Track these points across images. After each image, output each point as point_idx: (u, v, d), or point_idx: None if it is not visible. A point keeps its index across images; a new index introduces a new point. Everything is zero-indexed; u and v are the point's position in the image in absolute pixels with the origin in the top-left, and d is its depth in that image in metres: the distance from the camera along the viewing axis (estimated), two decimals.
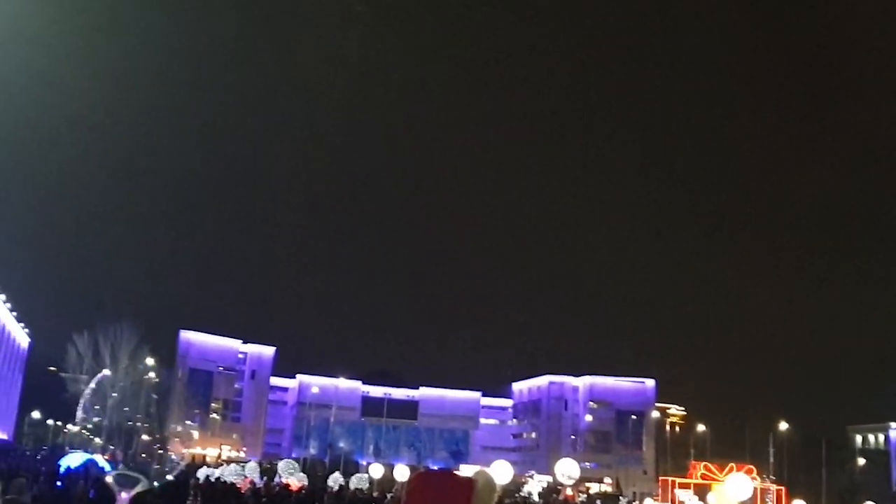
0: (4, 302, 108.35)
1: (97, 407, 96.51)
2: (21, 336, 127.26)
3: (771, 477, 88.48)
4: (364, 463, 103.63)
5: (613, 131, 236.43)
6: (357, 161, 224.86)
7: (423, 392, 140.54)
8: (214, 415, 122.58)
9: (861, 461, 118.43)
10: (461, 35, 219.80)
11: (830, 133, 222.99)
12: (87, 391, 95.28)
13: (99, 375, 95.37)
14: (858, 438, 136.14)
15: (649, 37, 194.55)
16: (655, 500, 75.58)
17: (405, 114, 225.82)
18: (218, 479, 45.55)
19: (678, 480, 73.77)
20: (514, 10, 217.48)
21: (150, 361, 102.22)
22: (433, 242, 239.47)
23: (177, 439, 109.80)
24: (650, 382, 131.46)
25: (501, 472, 64.59)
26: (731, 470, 68.06)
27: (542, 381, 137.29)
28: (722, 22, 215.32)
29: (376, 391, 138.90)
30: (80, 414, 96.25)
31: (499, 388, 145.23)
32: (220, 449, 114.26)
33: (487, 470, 3.75)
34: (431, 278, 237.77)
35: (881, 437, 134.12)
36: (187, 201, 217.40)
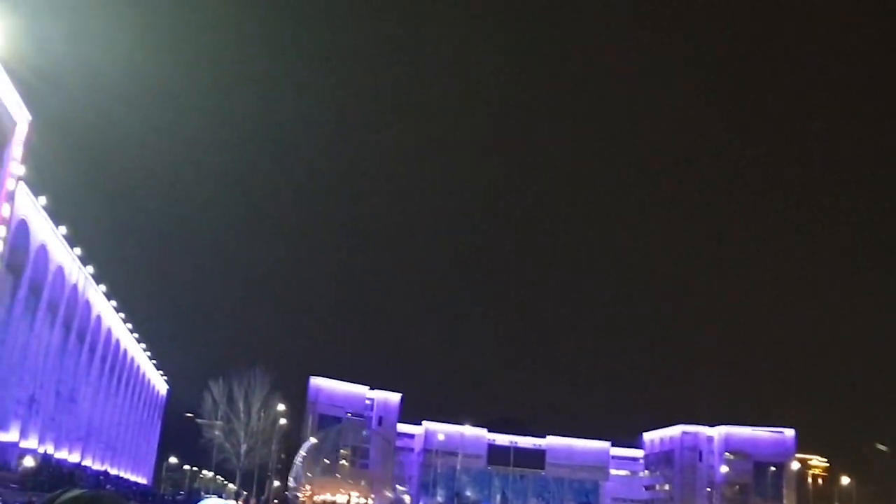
0: (145, 350, 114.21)
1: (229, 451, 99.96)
2: (160, 384, 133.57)
3: None
4: None
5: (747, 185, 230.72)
6: (490, 211, 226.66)
7: (551, 441, 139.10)
8: (343, 461, 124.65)
9: None
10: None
11: None
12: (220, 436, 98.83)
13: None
14: None
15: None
16: None
17: (550, 173, 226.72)
18: None
19: None
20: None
21: (281, 407, 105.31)
22: (561, 292, 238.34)
23: (307, 485, 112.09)
24: (789, 432, 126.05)
25: None
26: None
27: (675, 430, 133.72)
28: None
29: (502, 439, 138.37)
30: (216, 457, 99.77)
31: (629, 437, 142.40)
32: (349, 495, 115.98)
33: None
34: (559, 326, 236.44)
35: None
36: (315, 254, 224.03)
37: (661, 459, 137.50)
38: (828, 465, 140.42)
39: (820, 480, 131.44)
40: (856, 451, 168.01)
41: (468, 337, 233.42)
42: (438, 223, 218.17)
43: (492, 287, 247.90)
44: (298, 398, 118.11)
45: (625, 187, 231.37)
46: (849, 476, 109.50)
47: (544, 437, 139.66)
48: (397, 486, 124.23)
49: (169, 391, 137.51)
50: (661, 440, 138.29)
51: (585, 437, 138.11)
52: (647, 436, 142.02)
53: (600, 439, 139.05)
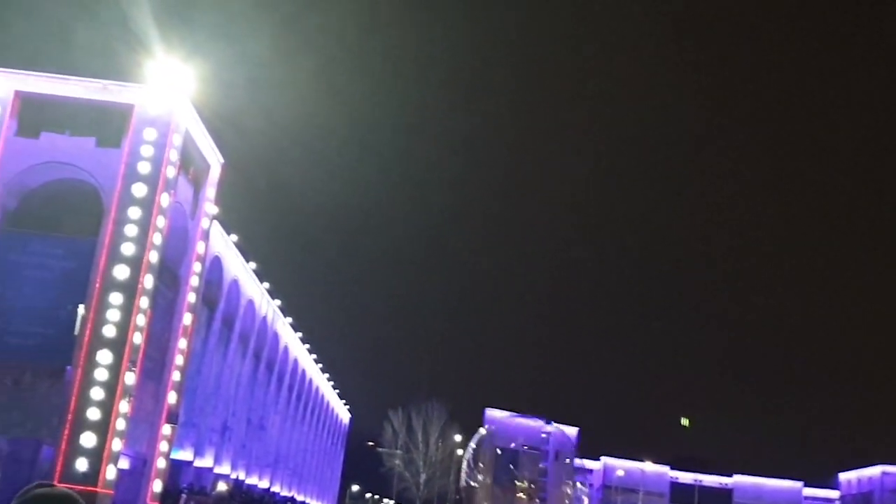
0: (329, 380, 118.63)
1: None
2: (343, 413, 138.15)
3: None
4: None
5: None
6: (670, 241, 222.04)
7: (738, 479, 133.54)
8: (521, 494, 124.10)
9: None
10: None
11: None
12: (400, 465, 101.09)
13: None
14: None
15: None
16: None
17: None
18: None
19: None
20: None
21: (458, 438, 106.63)
22: (746, 327, 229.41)
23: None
24: None
25: None
26: None
27: (875, 471, 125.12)
28: None
29: (686, 477, 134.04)
30: (396, 486, 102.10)
31: (823, 477, 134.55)
32: None
33: None
34: (747, 359, 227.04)
35: None
36: (492, 289, 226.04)
37: (859, 501, 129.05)
38: None
39: None
40: None
41: (650, 371, 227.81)
42: (623, 253, 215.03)
43: (676, 322, 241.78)
44: (474, 430, 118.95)
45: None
46: None
47: (731, 475, 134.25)
48: (578, 484, 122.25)
49: (351, 420, 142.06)
50: (860, 481, 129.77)
51: (775, 476, 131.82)
52: (844, 476, 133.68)
53: (792, 479, 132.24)
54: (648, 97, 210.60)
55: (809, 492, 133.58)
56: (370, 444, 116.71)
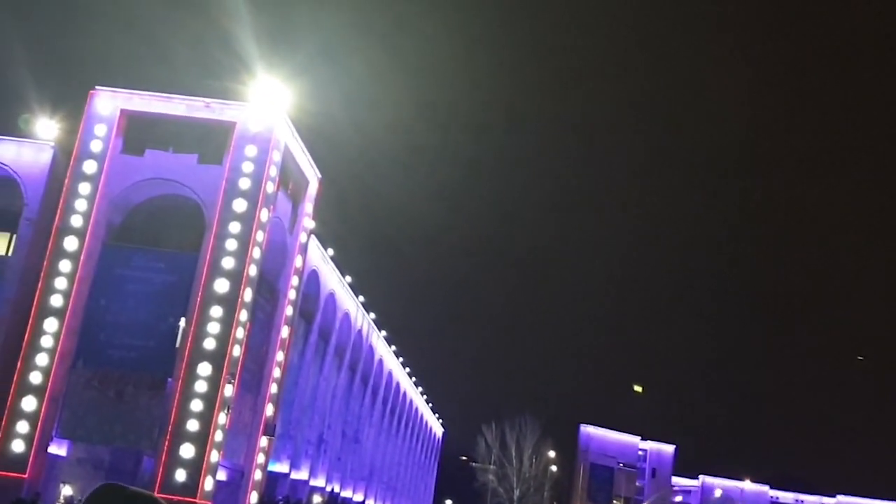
0: (422, 394, 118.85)
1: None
2: (437, 427, 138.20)
3: None
4: None
5: None
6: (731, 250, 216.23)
7: (841, 500, 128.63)
8: None
9: None
10: None
11: None
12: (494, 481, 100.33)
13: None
14: None
15: None
16: None
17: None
18: None
19: None
20: None
21: (551, 454, 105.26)
22: (827, 336, 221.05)
23: None
24: None
25: None
26: None
27: None
28: None
29: (786, 497, 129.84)
30: (490, 501, 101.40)
31: None
32: None
33: None
34: (851, 370, 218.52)
35: None
36: (584, 303, 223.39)
37: None
38: None
39: None
40: None
41: (749, 386, 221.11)
42: (722, 265, 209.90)
43: (775, 331, 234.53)
44: (568, 446, 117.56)
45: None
46: None
47: (834, 496, 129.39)
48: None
49: (444, 434, 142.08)
50: None
51: (880, 499, 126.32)
52: None
53: None
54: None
55: None
56: (463, 458, 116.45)
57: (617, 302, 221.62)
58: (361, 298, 77.59)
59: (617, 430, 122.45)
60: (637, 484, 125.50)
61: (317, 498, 67.45)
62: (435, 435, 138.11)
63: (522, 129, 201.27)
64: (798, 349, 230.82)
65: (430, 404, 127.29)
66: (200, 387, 41.57)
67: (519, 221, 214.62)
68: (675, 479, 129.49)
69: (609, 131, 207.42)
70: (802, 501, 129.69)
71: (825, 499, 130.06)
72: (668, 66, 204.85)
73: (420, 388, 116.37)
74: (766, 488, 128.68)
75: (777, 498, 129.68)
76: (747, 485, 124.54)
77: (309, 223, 53.59)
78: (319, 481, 70.94)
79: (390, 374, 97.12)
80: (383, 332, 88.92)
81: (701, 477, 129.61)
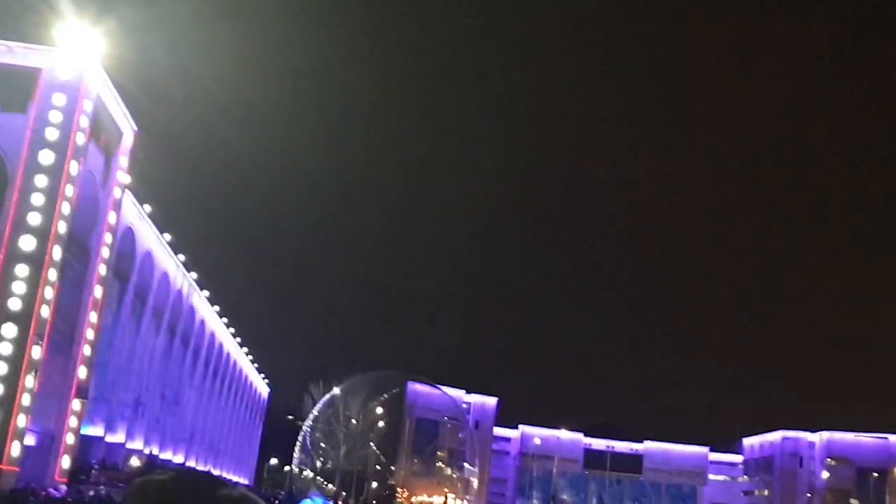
0: (247, 354, 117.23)
1: (324, 449, 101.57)
2: (262, 387, 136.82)
3: None
4: None
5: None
6: (579, 216, 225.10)
7: (648, 446, 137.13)
8: (440, 463, 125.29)
9: None
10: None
11: None
12: (307, 427, 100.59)
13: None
14: None
15: None
16: None
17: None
18: None
19: None
20: None
21: (379, 411, 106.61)
22: (658, 295, 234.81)
23: (404, 487, 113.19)
24: (894, 438, 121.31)
25: None
26: None
27: (776, 436, 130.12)
28: None
29: (599, 444, 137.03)
30: (296, 455, 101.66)
31: (728, 443, 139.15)
32: (446, 497, 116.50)
33: None
34: (658, 332, 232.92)
35: None
36: (413, 260, 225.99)
37: (761, 465, 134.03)
38: None
39: None
40: None
41: (565, 341, 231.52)
42: (538, 229, 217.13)
43: (591, 293, 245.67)
44: (396, 402, 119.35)
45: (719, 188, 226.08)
46: None
47: (642, 442, 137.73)
48: (465, 465, 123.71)
49: (270, 394, 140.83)
50: (761, 445, 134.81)
51: (683, 443, 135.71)
52: (747, 441, 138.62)
53: (699, 444, 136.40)
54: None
55: (715, 457, 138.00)
56: (290, 417, 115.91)
57: (448, 264, 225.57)
58: (182, 257, 75.39)
59: (444, 385, 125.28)
60: (461, 436, 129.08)
61: (135, 461, 65.65)
62: (260, 395, 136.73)
63: (363, 92, 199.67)
64: (611, 307, 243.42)
65: (256, 365, 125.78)
66: (5, 349, 39.52)
67: (356, 187, 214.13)
68: (497, 430, 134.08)
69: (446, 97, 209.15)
70: (613, 448, 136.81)
71: (634, 444, 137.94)
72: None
73: (245, 350, 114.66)
74: (580, 436, 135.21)
75: (590, 445, 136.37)
76: (563, 433, 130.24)
77: (123, 178, 51.38)
78: (137, 444, 69.02)
79: (213, 335, 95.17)
80: (206, 293, 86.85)
81: (521, 427, 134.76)
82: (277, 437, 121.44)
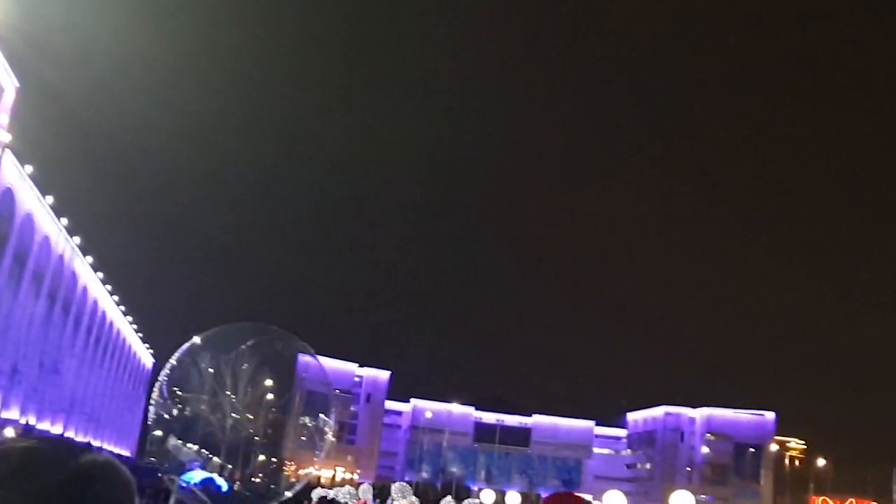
0: (131, 323, 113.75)
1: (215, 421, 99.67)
2: (146, 357, 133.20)
3: None
4: (476, 488, 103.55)
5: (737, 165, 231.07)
6: (474, 188, 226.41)
7: (537, 419, 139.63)
8: (329, 437, 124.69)
9: None
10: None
11: None
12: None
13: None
14: None
15: None
16: None
17: (537, 160, 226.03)
18: (332, 499, 46.30)
19: None
20: None
21: (268, 383, 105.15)
22: (551, 273, 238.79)
23: (292, 460, 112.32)
24: (770, 415, 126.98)
25: (615, 501, 63.45)
26: None
27: (658, 411, 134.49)
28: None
29: (489, 417, 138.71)
30: (201, 431, 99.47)
31: (613, 417, 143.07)
32: (335, 470, 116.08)
33: None
34: (547, 309, 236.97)
35: None
36: (306, 232, 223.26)
37: (644, 439, 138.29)
38: (805, 447, 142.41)
39: (797, 462, 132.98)
40: (832, 433, 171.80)
41: (458, 316, 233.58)
42: (429, 204, 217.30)
43: (482, 267, 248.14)
44: (286, 374, 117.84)
45: (605, 170, 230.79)
46: (824, 458, 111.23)
47: (531, 415, 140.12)
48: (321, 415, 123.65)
49: (155, 364, 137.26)
50: (645, 420, 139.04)
51: (571, 417, 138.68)
52: (631, 416, 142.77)
53: (585, 419, 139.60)
54: None
55: (600, 431, 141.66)
56: (175, 388, 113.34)
57: (341, 237, 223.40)
58: (65, 221, 72.21)
59: (335, 357, 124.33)
60: (352, 409, 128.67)
61: (9, 431, 62.84)
62: (144, 365, 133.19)
63: (259, 48, 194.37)
64: (505, 287, 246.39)
65: (140, 334, 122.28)
66: None
67: (248, 150, 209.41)
68: (389, 404, 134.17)
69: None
70: (503, 421, 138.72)
71: (523, 418, 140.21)
72: None
73: (129, 318, 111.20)
74: (471, 410, 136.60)
75: (481, 419, 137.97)
76: (455, 407, 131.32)
77: (3, 136, 48.71)
78: (13, 413, 66.09)
79: (95, 302, 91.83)
80: (89, 259, 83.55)
81: (412, 401, 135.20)
82: (157, 406, 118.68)
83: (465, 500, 59.15)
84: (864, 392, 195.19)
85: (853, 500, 68.21)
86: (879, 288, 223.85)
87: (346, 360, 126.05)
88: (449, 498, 63.64)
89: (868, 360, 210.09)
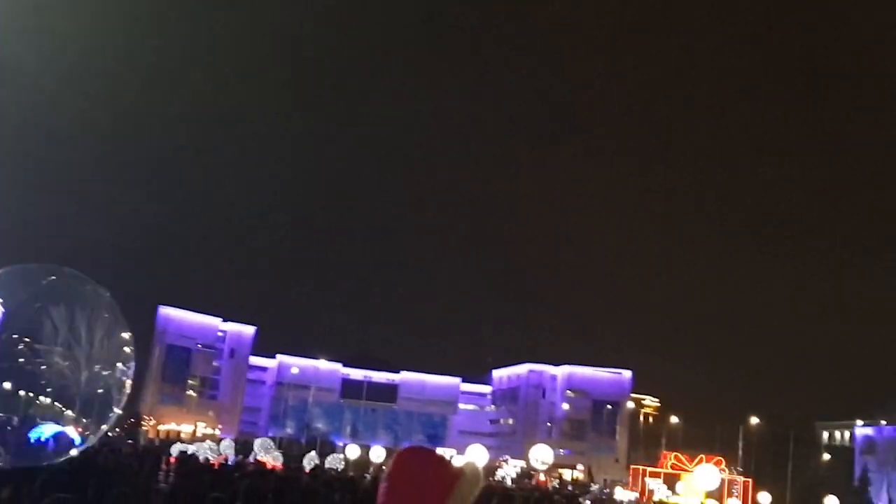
0: None
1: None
2: None
3: (738, 469, 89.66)
4: (341, 444, 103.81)
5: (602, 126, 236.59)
6: (339, 142, 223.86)
7: (404, 376, 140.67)
8: (191, 392, 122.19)
9: (826, 457, 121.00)
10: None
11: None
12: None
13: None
14: (825, 435, 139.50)
15: None
16: (625, 488, 76.24)
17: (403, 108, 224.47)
18: (192, 455, 45.45)
19: (649, 469, 74.41)
20: None
21: (126, 336, 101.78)
22: (419, 228, 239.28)
23: (151, 415, 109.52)
24: (627, 373, 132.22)
25: (477, 456, 64.85)
26: (700, 461, 69.00)
27: (522, 369, 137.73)
28: None
29: (356, 374, 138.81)
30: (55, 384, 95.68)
31: (479, 375, 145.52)
32: (196, 426, 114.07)
33: (477, 464, 3.60)
34: (416, 265, 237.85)
35: (846, 434, 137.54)
36: (165, 180, 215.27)
37: (508, 396, 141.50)
38: (659, 405, 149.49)
39: (651, 419, 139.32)
40: (685, 392, 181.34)
41: (326, 271, 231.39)
42: (293, 149, 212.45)
43: (351, 223, 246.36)
44: (146, 327, 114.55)
45: (463, 128, 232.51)
46: (676, 415, 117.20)
47: (398, 372, 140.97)
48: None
49: (5, 314, 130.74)
50: (509, 377, 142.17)
51: (439, 374, 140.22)
52: (497, 373, 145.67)
53: (452, 376, 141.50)
54: None
55: (466, 387, 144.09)
56: (26, 339, 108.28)
57: (203, 186, 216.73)
58: None
59: (199, 311, 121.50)
60: (215, 364, 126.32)
61: None
62: None
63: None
64: (373, 241, 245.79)
65: None
66: None
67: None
68: (254, 360, 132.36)
69: None
70: (371, 378, 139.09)
71: (391, 375, 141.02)
72: None
73: None
74: (338, 366, 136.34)
75: (348, 375, 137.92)
76: (322, 363, 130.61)
77: None
78: None
79: None
80: None
81: (278, 356, 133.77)
82: (10, 361, 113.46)
83: (330, 455, 59.34)
84: (715, 354, 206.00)
85: (702, 455, 71.74)
86: (729, 253, 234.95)
87: (210, 315, 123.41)
88: (313, 453, 63.65)
89: (719, 324, 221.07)
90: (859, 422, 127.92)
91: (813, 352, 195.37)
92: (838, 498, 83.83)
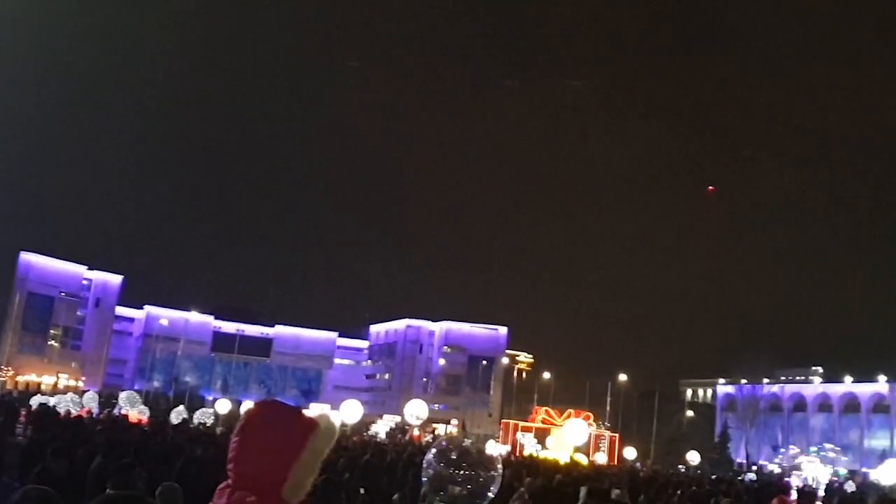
0: None
1: None
2: None
3: (606, 424, 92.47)
4: (211, 398, 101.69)
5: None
6: (215, 85, 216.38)
7: (279, 330, 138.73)
8: (53, 342, 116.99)
9: (689, 413, 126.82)
10: None
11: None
12: None
13: None
14: (689, 392, 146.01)
15: None
16: (497, 441, 77.36)
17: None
18: (52, 407, 43.21)
19: (520, 424, 75.52)
20: None
21: None
22: (297, 180, 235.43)
23: (9, 365, 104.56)
24: (503, 330, 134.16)
25: (351, 411, 64.23)
26: (569, 416, 70.63)
27: (400, 324, 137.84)
28: None
29: (229, 327, 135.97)
30: None
31: (357, 329, 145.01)
32: (58, 377, 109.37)
33: (331, 417, 3.27)
34: (293, 216, 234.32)
35: (709, 392, 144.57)
36: (37, 121, 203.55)
37: (385, 351, 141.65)
38: (532, 360, 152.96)
39: (524, 374, 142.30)
40: (557, 348, 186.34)
41: (200, 220, 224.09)
42: (172, 86, 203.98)
43: (228, 169, 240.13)
44: (6, 273, 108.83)
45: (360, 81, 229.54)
46: (549, 371, 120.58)
47: (273, 326, 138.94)
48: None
49: None
50: (387, 332, 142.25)
51: (315, 328, 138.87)
52: (374, 328, 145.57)
53: (329, 330, 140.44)
54: None
55: (343, 342, 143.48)
56: None
57: (76, 118, 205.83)
58: None
59: (63, 258, 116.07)
60: (79, 314, 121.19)
61: None
62: None
63: None
64: (250, 191, 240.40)
65: None
66: None
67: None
68: (120, 310, 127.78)
69: None
70: (244, 331, 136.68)
71: (265, 328, 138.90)
72: None
73: None
74: (210, 318, 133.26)
75: (220, 328, 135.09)
76: (193, 315, 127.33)
77: None
78: None
79: None
80: None
81: (146, 307, 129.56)
82: None
83: (199, 410, 57.64)
84: (588, 313, 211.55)
85: (571, 409, 73.49)
86: (603, 213, 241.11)
87: (74, 262, 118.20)
88: (181, 407, 61.52)
89: (592, 285, 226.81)
90: (721, 380, 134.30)
91: (679, 312, 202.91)
92: (699, 453, 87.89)
